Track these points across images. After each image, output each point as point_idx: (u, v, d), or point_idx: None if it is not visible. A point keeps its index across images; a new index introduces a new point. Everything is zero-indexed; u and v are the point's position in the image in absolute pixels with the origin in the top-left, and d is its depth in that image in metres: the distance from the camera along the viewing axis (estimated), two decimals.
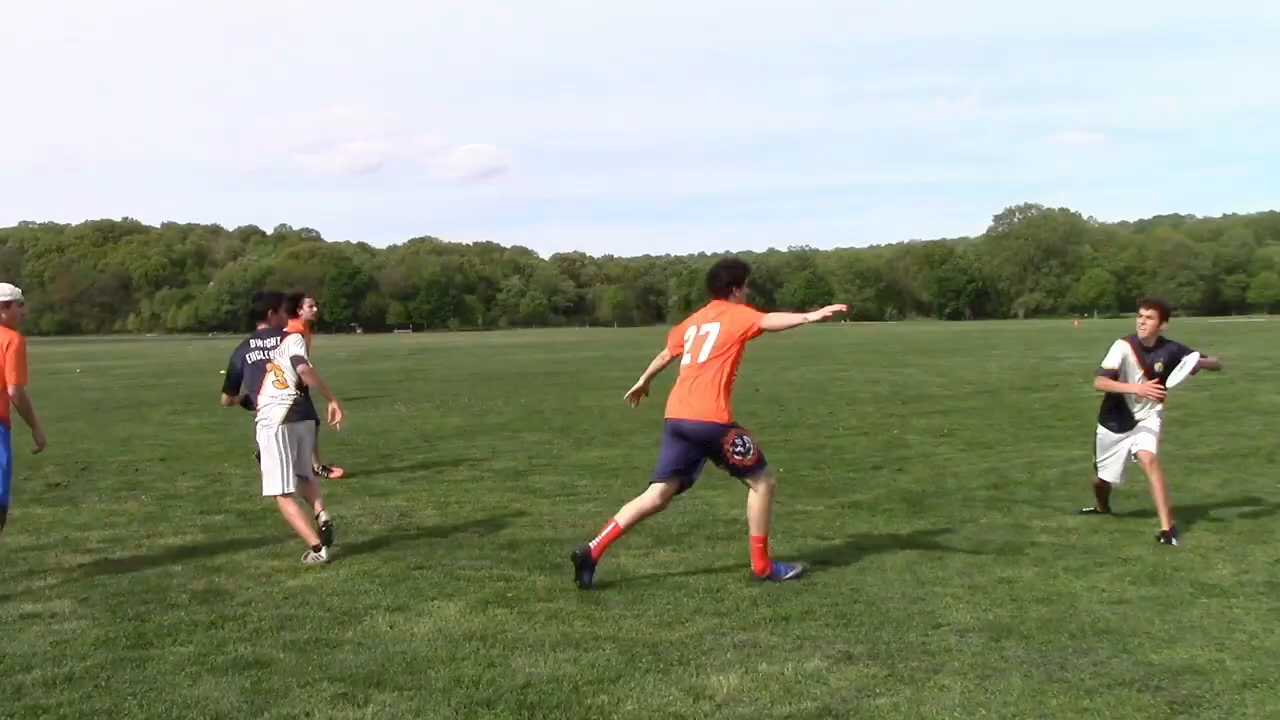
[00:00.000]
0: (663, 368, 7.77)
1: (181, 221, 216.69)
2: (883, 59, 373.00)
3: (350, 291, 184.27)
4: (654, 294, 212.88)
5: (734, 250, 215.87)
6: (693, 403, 7.04)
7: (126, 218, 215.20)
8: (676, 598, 6.67)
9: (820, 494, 10.23)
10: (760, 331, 6.96)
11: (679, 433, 7.12)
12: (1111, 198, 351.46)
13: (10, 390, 7.26)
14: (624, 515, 7.17)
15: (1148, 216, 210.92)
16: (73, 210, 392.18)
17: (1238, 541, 7.92)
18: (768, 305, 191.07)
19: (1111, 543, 7.93)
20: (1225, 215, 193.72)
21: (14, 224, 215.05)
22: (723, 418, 7.00)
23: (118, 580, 7.41)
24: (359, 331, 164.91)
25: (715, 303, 7.28)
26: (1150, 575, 6.99)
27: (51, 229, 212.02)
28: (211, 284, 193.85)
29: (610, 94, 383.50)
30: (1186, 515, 8.79)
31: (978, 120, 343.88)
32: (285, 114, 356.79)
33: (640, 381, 7.90)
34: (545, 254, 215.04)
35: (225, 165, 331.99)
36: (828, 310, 6.71)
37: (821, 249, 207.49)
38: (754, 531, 7.20)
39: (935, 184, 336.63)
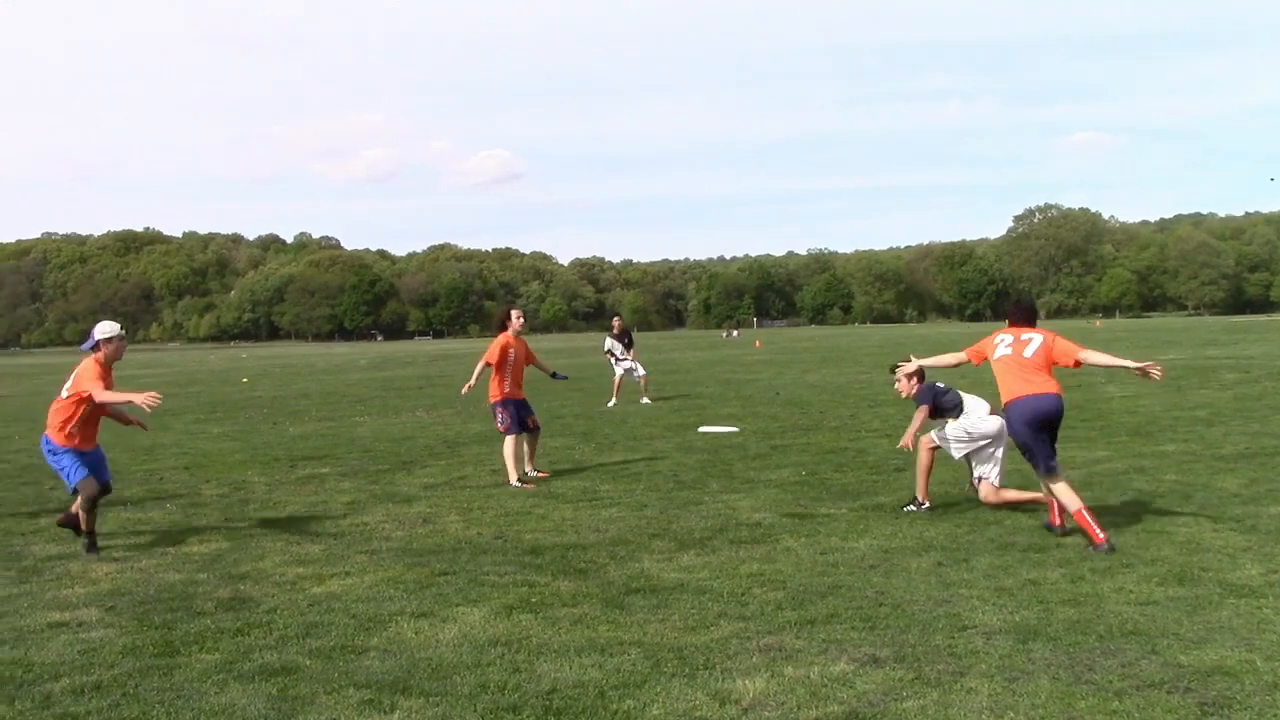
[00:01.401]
0: (946, 365, 9.00)
1: (202, 231, 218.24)
2: (900, 61, 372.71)
3: (371, 299, 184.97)
4: (673, 298, 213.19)
5: (753, 254, 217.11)
6: (1042, 382, 8.13)
7: (148, 228, 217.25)
8: (701, 602, 6.66)
9: (843, 496, 10.20)
10: (1078, 364, 8.23)
11: (1049, 408, 8.09)
12: (1132, 197, 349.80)
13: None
14: (1073, 501, 7.95)
15: (1169, 215, 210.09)
16: (95, 221, 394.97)
17: (1265, 541, 7.85)
18: (787, 308, 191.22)
19: (1138, 543, 7.87)
20: (1248, 214, 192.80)
21: (37, 235, 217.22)
22: (1061, 392, 8.20)
23: (144, 589, 7.45)
24: (379, 338, 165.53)
25: (1025, 327, 8.48)
26: (1178, 576, 6.93)
27: (74, 240, 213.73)
28: (233, 292, 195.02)
29: (627, 99, 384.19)
30: (1213, 515, 8.73)
31: (997, 121, 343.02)
32: (304, 123, 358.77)
33: (916, 363, 9.24)
34: (564, 259, 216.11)
35: (245, 174, 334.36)
36: (1147, 366, 7.93)
37: (841, 251, 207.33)
38: (1078, 507, 7.89)
39: (954, 185, 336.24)
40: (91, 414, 8.93)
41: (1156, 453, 12.29)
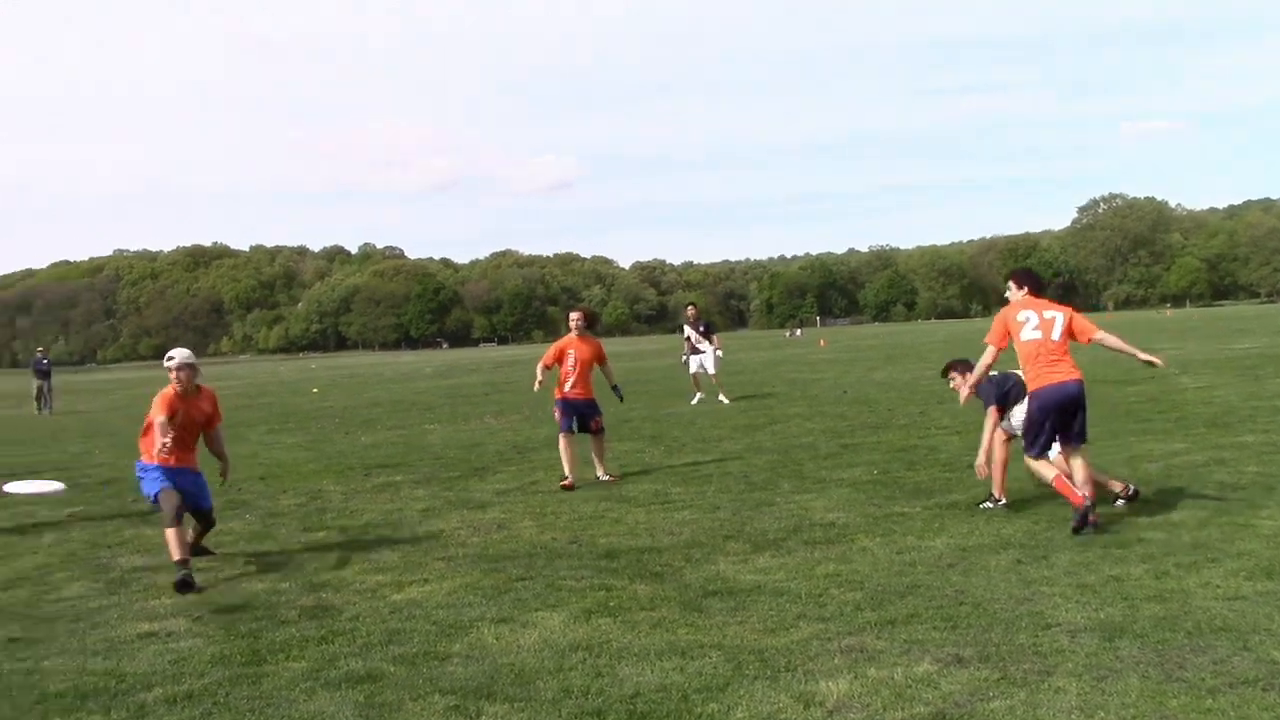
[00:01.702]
0: (987, 368, 9.00)
1: (269, 244, 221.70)
2: (958, 55, 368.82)
3: (435, 307, 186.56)
4: (735, 299, 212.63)
5: (813, 252, 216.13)
6: (1067, 370, 8.39)
7: (216, 242, 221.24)
8: (779, 604, 6.65)
9: (917, 495, 10.12)
10: (1090, 341, 8.58)
11: (1073, 395, 8.32)
12: (1198, 184, 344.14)
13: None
14: (1049, 471, 8.30)
15: (1238, 201, 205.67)
16: (164, 237, 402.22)
17: None
18: (850, 306, 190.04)
19: (1223, 537, 7.71)
20: None
21: (109, 252, 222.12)
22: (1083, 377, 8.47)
23: (228, 598, 7.58)
24: (445, 346, 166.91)
25: (1043, 300, 8.78)
26: (1266, 570, 6.79)
27: (145, 256, 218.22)
28: (300, 304, 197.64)
29: (683, 100, 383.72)
30: None
31: (1058, 112, 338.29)
32: (364, 133, 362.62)
33: (966, 391, 9.31)
34: (625, 263, 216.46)
35: (309, 187, 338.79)
36: (1154, 359, 8.67)
37: (903, 248, 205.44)
38: (1054, 474, 8.26)
39: (1017, 178, 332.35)
40: (178, 436, 8.46)
41: (1236, 444, 12.05)
